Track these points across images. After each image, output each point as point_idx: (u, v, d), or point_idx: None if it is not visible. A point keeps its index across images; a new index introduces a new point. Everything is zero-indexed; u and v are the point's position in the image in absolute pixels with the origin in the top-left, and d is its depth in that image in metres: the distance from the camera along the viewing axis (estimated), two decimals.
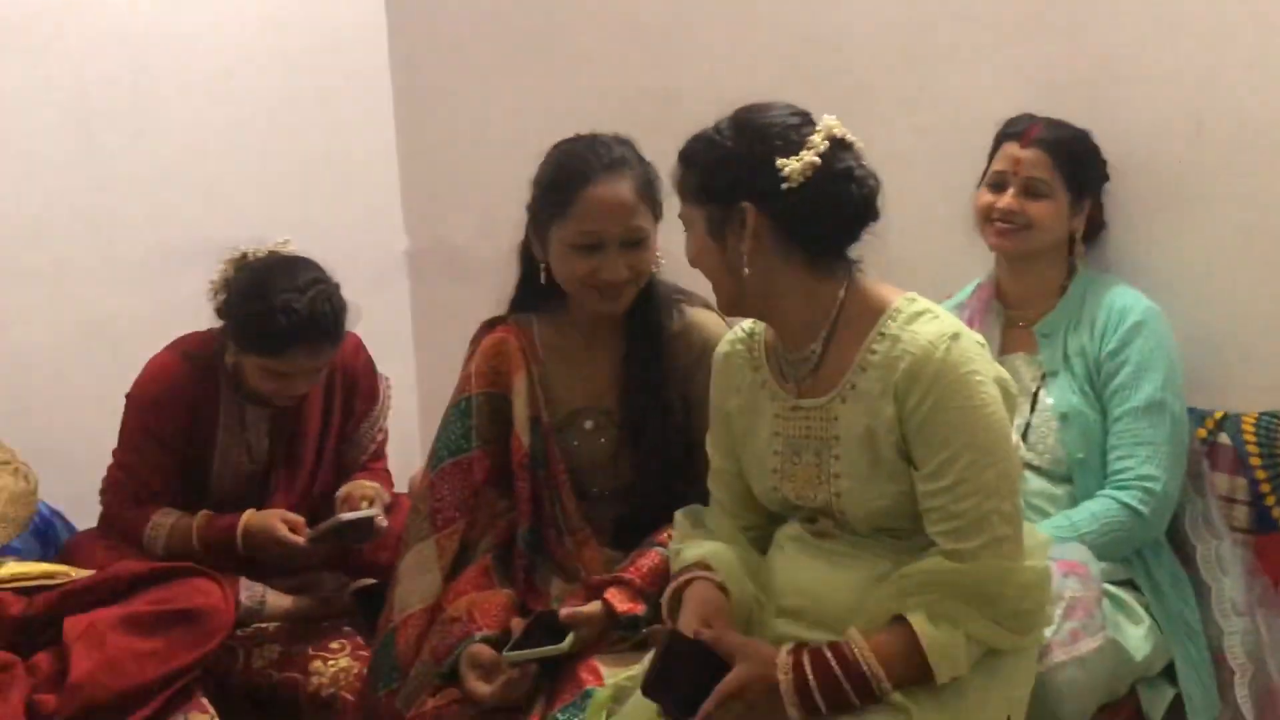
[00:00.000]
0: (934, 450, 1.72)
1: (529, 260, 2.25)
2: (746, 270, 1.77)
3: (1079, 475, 2.29)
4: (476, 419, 2.25)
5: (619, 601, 2.03)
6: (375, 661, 2.21)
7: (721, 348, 2.01)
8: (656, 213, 2.14)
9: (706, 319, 2.24)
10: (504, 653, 1.98)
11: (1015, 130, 2.42)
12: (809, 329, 1.84)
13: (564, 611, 2.02)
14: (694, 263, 1.84)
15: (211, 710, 2.26)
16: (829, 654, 1.70)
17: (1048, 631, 1.89)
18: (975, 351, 1.75)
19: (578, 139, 2.20)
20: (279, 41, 3.59)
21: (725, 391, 1.98)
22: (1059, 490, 2.31)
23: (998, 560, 1.71)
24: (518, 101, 3.55)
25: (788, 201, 1.74)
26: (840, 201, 1.77)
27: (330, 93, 3.71)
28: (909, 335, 1.76)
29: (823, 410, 1.83)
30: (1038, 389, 2.36)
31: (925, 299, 1.84)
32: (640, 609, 2.04)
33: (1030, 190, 2.38)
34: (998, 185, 2.42)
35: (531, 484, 2.21)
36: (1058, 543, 2.04)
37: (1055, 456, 2.31)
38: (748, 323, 2.00)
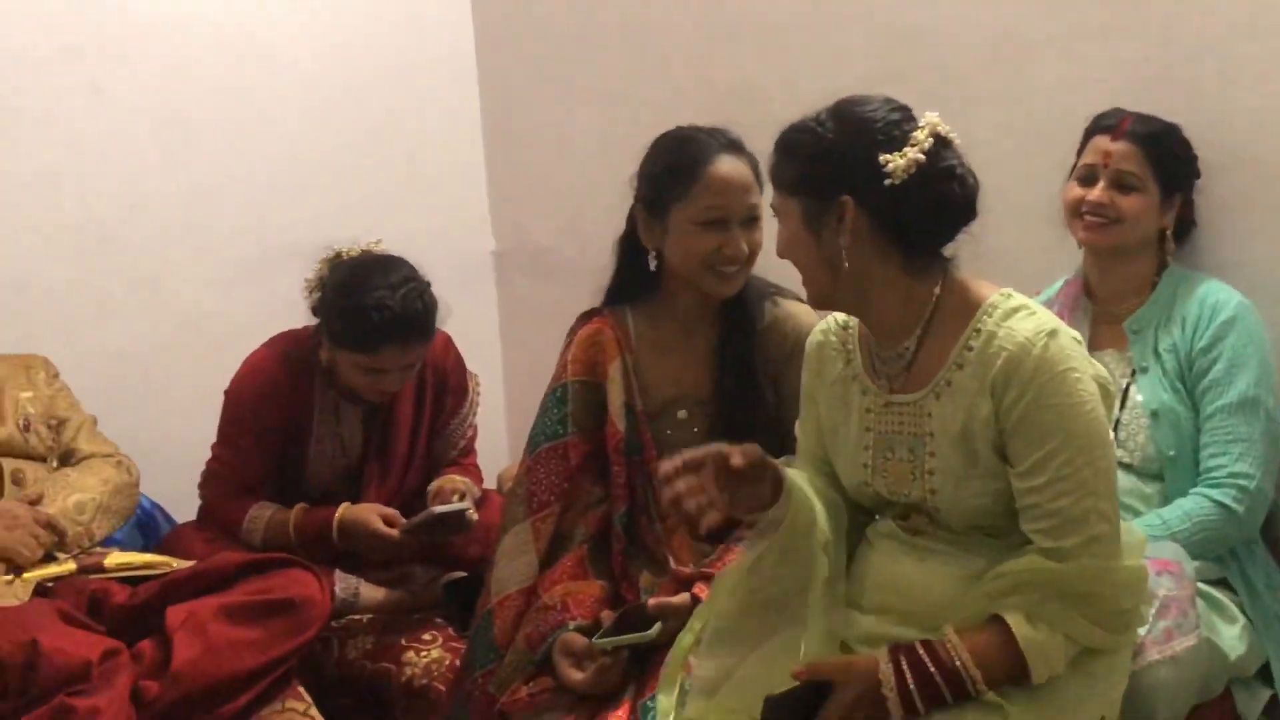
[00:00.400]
0: (1031, 447, 1.70)
1: (628, 253, 2.31)
2: (846, 265, 1.76)
3: (1170, 473, 2.26)
4: (572, 406, 2.30)
5: (706, 596, 2.04)
6: (472, 643, 2.26)
7: (814, 336, 1.99)
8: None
9: (799, 311, 2.27)
10: (594, 639, 2.01)
11: (1107, 124, 2.39)
12: (903, 326, 1.82)
13: (652, 601, 2.05)
14: (785, 254, 1.83)
15: (308, 699, 2.31)
16: (923, 653, 1.69)
17: (1141, 630, 1.87)
18: (1073, 348, 1.73)
19: (683, 128, 2.25)
20: (369, 48, 3.66)
21: (816, 381, 1.97)
22: (1150, 488, 2.28)
23: (1095, 559, 1.69)
24: (601, 103, 3.58)
25: (889, 198, 1.72)
26: (942, 200, 1.75)
27: (419, 98, 3.76)
28: (1005, 331, 1.74)
29: (916, 407, 1.81)
30: (1128, 385, 2.33)
31: (1020, 295, 1.82)
32: None
33: (1121, 184, 2.34)
34: (1088, 179, 2.39)
35: (627, 470, 2.25)
36: (1150, 541, 2.03)
37: (1146, 454, 2.28)
38: (839, 314, 1.98)
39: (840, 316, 1.97)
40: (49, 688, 1.99)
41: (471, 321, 3.74)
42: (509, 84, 3.86)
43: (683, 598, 2.06)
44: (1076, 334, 1.78)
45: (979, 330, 1.76)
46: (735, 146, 2.20)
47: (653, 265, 2.27)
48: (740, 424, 2.18)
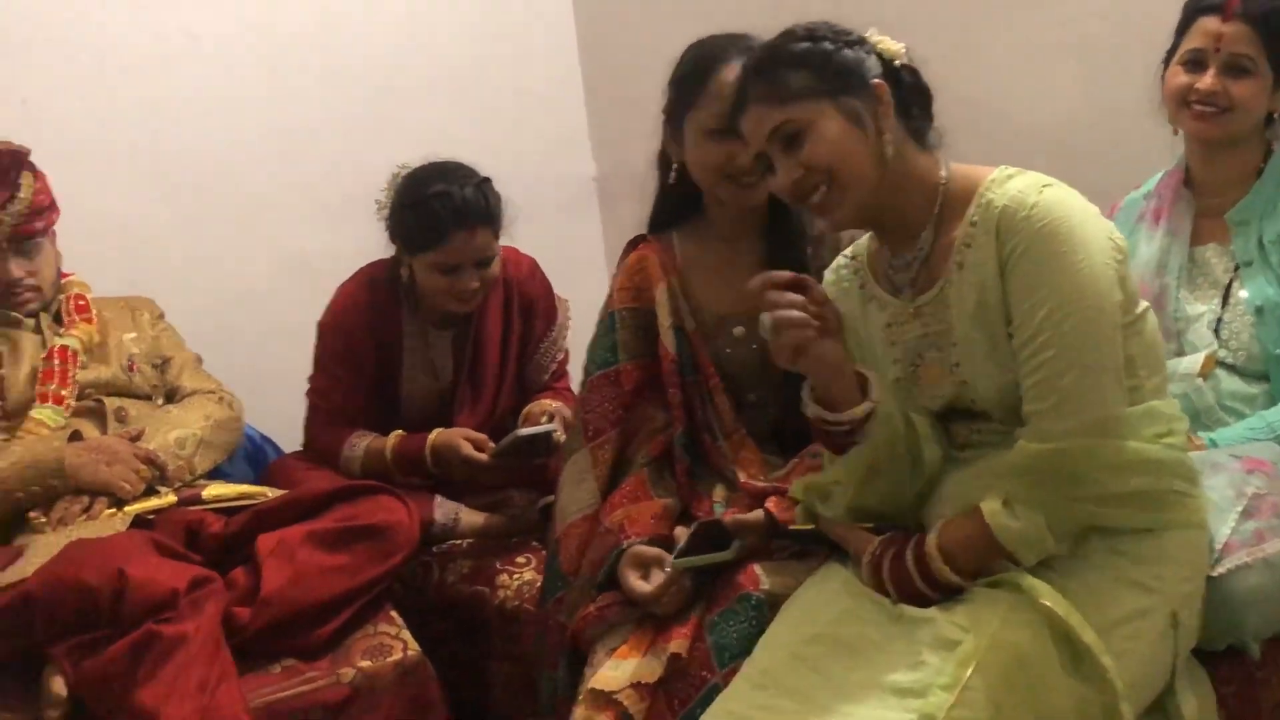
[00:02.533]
0: (1020, 300, 1.68)
1: (665, 168, 2.26)
2: (890, 150, 1.75)
3: (1276, 373, 2.12)
4: (621, 333, 2.27)
5: (780, 510, 2.01)
6: (546, 571, 2.26)
7: (827, 277, 1.99)
8: None
9: None
10: (671, 559, 1.98)
11: (1214, 2, 2.23)
12: (920, 219, 1.81)
13: (729, 518, 2.01)
14: (828, 161, 1.76)
15: (400, 622, 2.34)
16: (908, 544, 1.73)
17: (1224, 529, 1.78)
18: (1072, 200, 1.71)
19: (707, 37, 2.18)
20: None
21: None
22: (1255, 389, 2.14)
23: (1084, 439, 1.64)
24: (699, 21, 3.46)
25: (898, 77, 1.78)
26: (918, 81, 1.82)
27: (515, 25, 3.75)
28: (1001, 192, 1.73)
29: (936, 300, 1.80)
30: (1230, 281, 2.20)
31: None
32: (803, 522, 1.99)
33: (1233, 68, 2.18)
34: (1195, 64, 2.22)
35: (682, 390, 2.21)
36: (1246, 443, 1.91)
37: (1250, 353, 2.15)
38: (847, 249, 2.01)
39: (846, 251, 1.99)
40: (136, 615, 2.04)
41: (576, 246, 3.77)
42: (604, 6, 3.80)
43: (757, 514, 2.02)
44: (1075, 192, 1.73)
45: (980, 204, 1.75)
46: (750, 53, 2.07)
47: (673, 178, 2.22)
48: None
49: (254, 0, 3.31)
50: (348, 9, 3.46)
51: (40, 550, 2.22)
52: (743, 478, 2.12)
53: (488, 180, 2.63)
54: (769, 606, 1.88)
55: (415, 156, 2.75)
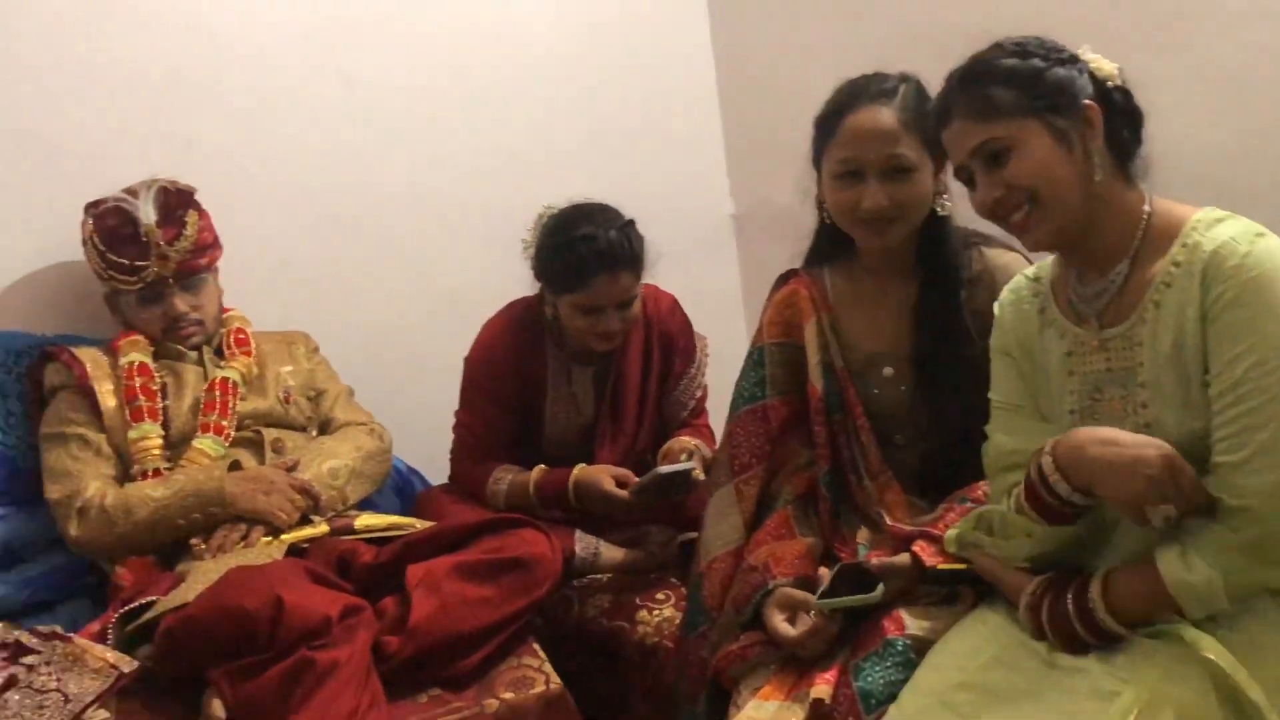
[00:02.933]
0: (1223, 349, 1.61)
1: (820, 205, 2.26)
2: (1098, 176, 1.71)
3: None
4: (770, 368, 2.27)
5: (928, 555, 1.99)
6: (687, 607, 2.27)
7: (1005, 297, 1.95)
8: (930, 147, 2.09)
9: (1011, 262, 2.16)
10: (814, 600, 1.97)
11: None
12: (1119, 249, 1.76)
13: (876, 561, 1.99)
14: (1032, 181, 1.72)
15: (542, 655, 2.37)
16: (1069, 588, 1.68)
17: None
18: None
19: (862, 75, 2.19)
20: (602, 19, 3.70)
21: (1009, 338, 1.91)
22: None
23: (1274, 499, 1.56)
24: (837, 56, 3.47)
25: (1110, 100, 1.73)
26: (1129, 103, 1.76)
27: (654, 65, 3.78)
28: (1211, 236, 1.67)
29: (1125, 337, 1.74)
30: None
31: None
32: (951, 563, 1.97)
33: None
34: None
35: (829, 428, 2.21)
36: None
37: None
38: (1031, 269, 1.95)
39: (1029, 271, 1.93)
40: (292, 641, 2.10)
41: (714, 284, 3.79)
42: (743, 43, 3.82)
43: (903, 557, 2.00)
44: None
45: (1186, 244, 1.69)
46: (887, 94, 2.11)
47: (820, 216, 2.23)
48: (943, 382, 2.12)
49: (406, 46, 3.39)
50: (494, 54, 3.53)
51: (200, 576, 2.30)
52: (888, 520, 2.10)
53: (631, 223, 2.67)
54: (915, 652, 1.86)
55: (558, 195, 2.80)
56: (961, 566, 1.92)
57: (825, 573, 2.05)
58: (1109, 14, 2.64)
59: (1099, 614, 1.65)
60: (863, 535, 2.14)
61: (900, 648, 1.87)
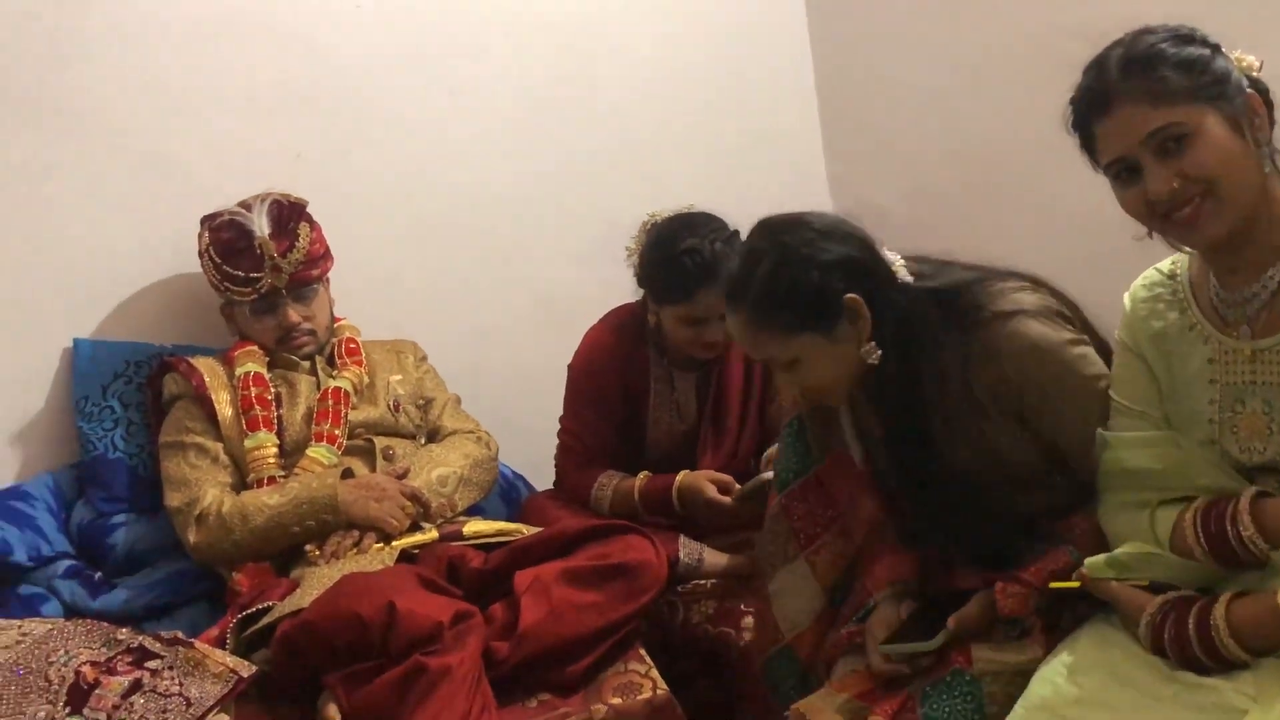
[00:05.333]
0: None
1: None
2: (1267, 168, 1.62)
3: None
4: (812, 429, 2.23)
5: (1004, 598, 1.91)
6: (770, 677, 2.24)
7: (1137, 291, 1.83)
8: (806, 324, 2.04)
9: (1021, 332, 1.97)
10: (879, 645, 1.99)
11: None
12: (1271, 248, 1.65)
13: (952, 618, 1.95)
14: (1213, 171, 1.60)
15: (649, 661, 2.38)
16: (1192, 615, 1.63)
17: None
18: None
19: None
20: (701, 24, 3.72)
21: (1139, 335, 1.81)
22: None
23: None
24: (936, 55, 3.48)
25: (1261, 93, 1.65)
26: (1268, 92, 1.67)
27: (752, 67, 3.80)
28: None
29: (1277, 351, 1.65)
30: None
31: None
32: (1026, 612, 1.92)
33: None
34: None
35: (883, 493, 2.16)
36: None
37: None
38: (1164, 263, 1.83)
39: (1163, 265, 1.82)
40: (404, 647, 2.12)
41: None
42: (841, 44, 3.82)
43: (977, 608, 1.94)
44: None
45: None
46: (732, 298, 2.12)
47: None
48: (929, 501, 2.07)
49: (508, 58, 3.43)
50: (594, 62, 3.56)
51: (315, 582, 2.35)
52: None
53: (735, 234, 2.63)
54: (980, 684, 1.86)
55: (657, 199, 2.80)
56: (1075, 584, 1.87)
57: (907, 607, 2.06)
58: (1225, 10, 2.58)
59: (1220, 639, 1.59)
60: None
61: (968, 679, 1.88)
